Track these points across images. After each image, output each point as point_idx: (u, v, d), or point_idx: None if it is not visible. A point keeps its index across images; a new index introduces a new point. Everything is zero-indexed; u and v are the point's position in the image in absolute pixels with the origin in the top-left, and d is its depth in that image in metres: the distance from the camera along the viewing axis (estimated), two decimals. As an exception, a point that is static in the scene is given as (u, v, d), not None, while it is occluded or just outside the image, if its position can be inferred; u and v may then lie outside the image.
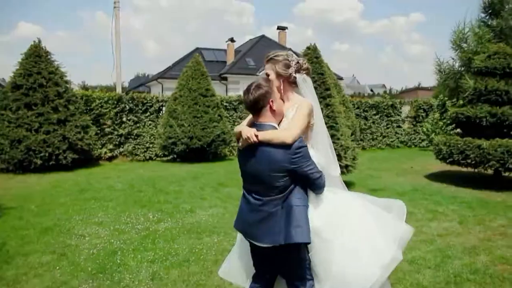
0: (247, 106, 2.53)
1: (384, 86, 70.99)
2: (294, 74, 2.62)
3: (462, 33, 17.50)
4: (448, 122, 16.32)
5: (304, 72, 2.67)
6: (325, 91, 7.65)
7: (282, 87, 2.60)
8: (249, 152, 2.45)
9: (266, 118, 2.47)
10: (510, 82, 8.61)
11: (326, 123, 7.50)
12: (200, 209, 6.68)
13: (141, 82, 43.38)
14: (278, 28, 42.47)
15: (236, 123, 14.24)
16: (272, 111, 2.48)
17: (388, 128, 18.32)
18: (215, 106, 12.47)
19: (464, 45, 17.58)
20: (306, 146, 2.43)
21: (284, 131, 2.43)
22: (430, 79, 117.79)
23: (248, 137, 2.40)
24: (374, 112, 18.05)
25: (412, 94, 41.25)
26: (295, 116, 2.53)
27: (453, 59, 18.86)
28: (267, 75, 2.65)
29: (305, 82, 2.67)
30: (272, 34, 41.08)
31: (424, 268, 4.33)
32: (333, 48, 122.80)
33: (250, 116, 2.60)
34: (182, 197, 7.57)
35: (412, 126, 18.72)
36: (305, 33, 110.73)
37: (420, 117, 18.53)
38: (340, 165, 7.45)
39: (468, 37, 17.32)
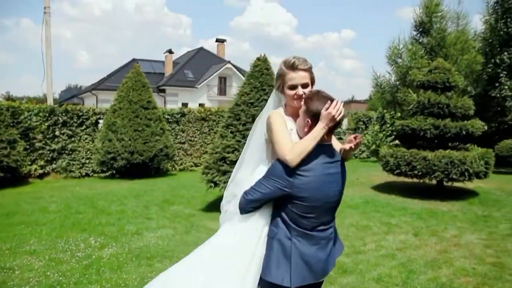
0: (336, 124, 2.03)
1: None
2: None
3: (397, 49, 18.36)
4: (388, 133, 16.96)
5: None
6: (276, 103, 7.43)
7: None
8: (336, 167, 2.08)
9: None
10: (450, 96, 8.96)
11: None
12: (147, 230, 6.13)
13: (73, 94, 41.24)
14: (217, 40, 42.36)
15: (178, 137, 13.71)
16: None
17: (329, 140, 18.58)
18: (157, 119, 11.88)
19: (399, 60, 18.42)
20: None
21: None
22: (362, 93, 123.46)
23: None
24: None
25: (346, 107, 42.56)
26: None
27: (389, 73, 19.72)
28: (307, 84, 2.16)
29: None
30: (210, 46, 40.93)
31: (392, 285, 4.19)
32: (270, 61, 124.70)
33: (284, 125, 2.08)
34: (126, 217, 6.96)
35: (352, 138, 19.14)
36: (242, 46, 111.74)
37: (360, 129, 19.05)
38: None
39: (402, 53, 18.18)
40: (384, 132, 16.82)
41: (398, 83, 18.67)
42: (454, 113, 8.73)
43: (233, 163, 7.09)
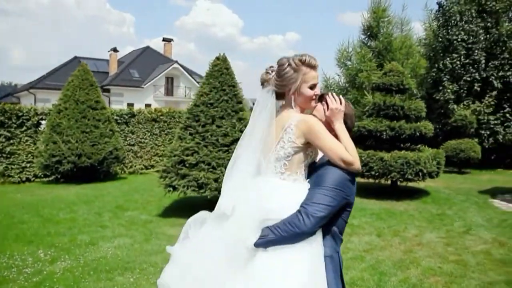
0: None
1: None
2: None
3: (346, 52, 18.83)
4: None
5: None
6: (237, 105, 7.24)
7: None
8: None
9: None
10: (403, 98, 9.21)
11: (239, 138, 7.17)
12: (102, 240, 5.70)
13: (8, 92, 38.53)
14: (164, 39, 41.40)
15: (128, 138, 13.12)
16: None
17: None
18: (106, 120, 11.25)
19: (349, 63, 18.92)
20: None
21: None
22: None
23: None
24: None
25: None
26: None
27: (338, 75, 20.22)
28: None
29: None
30: (156, 45, 39.91)
31: (366, 289, 4.14)
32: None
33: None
34: (77, 226, 6.45)
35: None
36: (188, 46, 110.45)
37: (311, 130, 19.24)
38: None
39: (351, 56, 18.65)
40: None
41: (347, 85, 19.17)
42: (408, 115, 8.98)
43: (192, 166, 6.83)
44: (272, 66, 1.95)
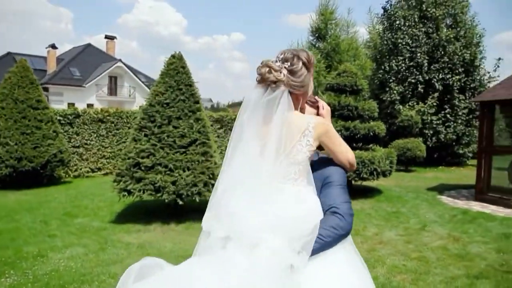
0: None
1: (211, 100, 73.50)
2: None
3: (295, 53, 19.13)
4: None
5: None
6: (194, 104, 7.00)
7: None
8: None
9: None
10: (358, 99, 9.39)
11: (197, 139, 6.89)
12: (52, 251, 5.25)
13: None
14: (106, 37, 39.88)
15: (72, 140, 12.38)
16: None
17: (232, 141, 18.49)
18: (49, 121, 10.52)
19: (298, 63, 19.23)
20: None
21: None
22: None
23: None
24: (219, 126, 18.03)
25: (239, 108, 43.57)
26: None
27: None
28: None
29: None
30: (97, 43, 38.24)
31: (337, 291, 4.08)
32: (159, 61, 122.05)
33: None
34: (22, 236, 5.92)
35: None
36: (130, 44, 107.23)
37: (261, 131, 19.25)
38: (214, 185, 6.98)
39: (301, 57, 18.97)
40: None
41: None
42: (362, 115, 9.16)
43: (148, 168, 6.51)
44: (268, 61, 1.74)
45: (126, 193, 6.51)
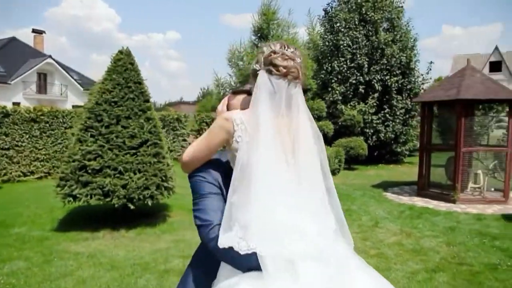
0: None
1: (148, 99, 71.33)
2: (257, 69, 1.61)
3: (238, 52, 18.96)
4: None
5: (266, 69, 1.58)
6: (144, 103, 6.64)
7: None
8: None
9: None
10: (306, 98, 9.45)
11: (148, 140, 6.57)
12: (-12, 266, 4.71)
13: None
14: (34, 31, 37.31)
15: (1, 142, 11.35)
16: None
17: (174, 142, 18.05)
18: (-26, 120, 9.54)
19: (241, 63, 19.07)
20: (198, 176, 1.65)
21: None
22: (190, 94, 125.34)
23: None
24: (161, 126, 17.50)
25: (176, 108, 42.85)
26: None
27: (230, 75, 20.26)
28: None
29: (260, 82, 1.57)
30: (23, 37, 35.59)
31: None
32: (91, 58, 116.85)
33: None
34: (-50, 250, 5.26)
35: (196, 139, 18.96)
36: (59, 40, 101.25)
37: (204, 130, 18.95)
38: (168, 187, 6.63)
39: (244, 56, 18.83)
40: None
41: (239, 85, 19.31)
42: (311, 114, 9.22)
43: (96, 171, 6.07)
44: (285, 52, 1.57)
45: (71, 199, 6.02)
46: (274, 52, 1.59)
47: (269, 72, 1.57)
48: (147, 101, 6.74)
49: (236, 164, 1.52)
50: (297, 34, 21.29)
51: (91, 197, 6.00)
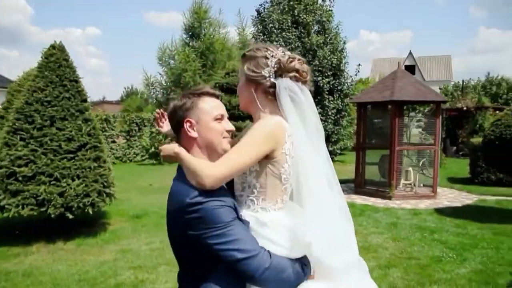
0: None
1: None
2: (271, 79, 1.59)
3: (170, 50, 18.49)
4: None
5: (290, 75, 1.60)
6: (82, 103, 6.13)
7: (257, 100, 1.63)
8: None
9: (186, 146, 1.55)
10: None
11: (87, 143, 6.11)
12: None
13: None
14: None
15: None
16: (189, 138, 1.53)
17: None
18: None
19: (172, 62, 18.60)
20: (212, 201, 1.37)
21: (206, 165, 1.43)
22: (114, 93, 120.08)
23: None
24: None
25: (99, 107, 40.84)
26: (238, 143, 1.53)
27: (160, 74, 19.66)
28: (239, 80, 1.76)
29: (289, 93, 1.58)
30: None
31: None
32: (2, 53, 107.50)
33: None
34: None
35: (126, 140, 18.14)
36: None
37: (134, 131, 18.20)
38: (110, 194, 6.21)
39: (175, 55, 18.36)
40: (162, 134, 16.49)
41: (171, 84, 18.80)
42: (252, 115, 9.20)
43: (28, 179, 5.51)
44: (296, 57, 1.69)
45: (-2, 210, 5.38)
46: (294, 58, 1.62)
47: (294, 78, 1.60)
48: (85, 100, 6.24)
49: (287, 181, 1.55)
50: (228, 34, 21.38)
51: (23, 208, 5.40)
